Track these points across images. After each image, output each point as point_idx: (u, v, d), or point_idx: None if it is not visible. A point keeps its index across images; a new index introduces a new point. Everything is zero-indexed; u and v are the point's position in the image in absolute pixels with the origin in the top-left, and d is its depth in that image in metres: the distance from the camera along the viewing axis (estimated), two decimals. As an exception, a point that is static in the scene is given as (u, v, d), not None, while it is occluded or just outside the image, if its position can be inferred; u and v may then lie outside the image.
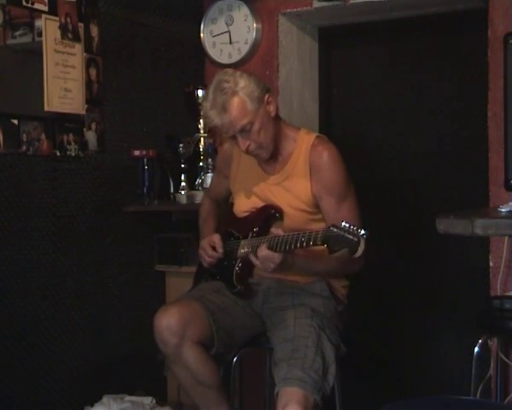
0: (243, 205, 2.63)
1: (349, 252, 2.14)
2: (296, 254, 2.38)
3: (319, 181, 2.47)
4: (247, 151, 2.49)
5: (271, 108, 2.48)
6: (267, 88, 2.51)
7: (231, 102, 2.39)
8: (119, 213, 3.33)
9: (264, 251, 2.35)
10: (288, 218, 2.51)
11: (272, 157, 2.55)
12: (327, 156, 2.48)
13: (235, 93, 2.40)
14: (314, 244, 2.23)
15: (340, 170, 2.48)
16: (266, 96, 2.47)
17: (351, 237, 2.12)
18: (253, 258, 2.42)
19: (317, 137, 2.55)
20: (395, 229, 3.55)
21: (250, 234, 2.55)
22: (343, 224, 2.14)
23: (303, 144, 2.53)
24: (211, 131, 3.54)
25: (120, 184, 3.34)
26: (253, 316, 2.62)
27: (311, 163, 2.49)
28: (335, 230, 2.15)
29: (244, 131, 2.43)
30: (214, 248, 2.66)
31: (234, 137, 2.48)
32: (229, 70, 2.50)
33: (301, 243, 2.26)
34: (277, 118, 2.54)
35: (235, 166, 2.68)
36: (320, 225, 2.49)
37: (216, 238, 2.66)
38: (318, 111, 3.76)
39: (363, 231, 2.11)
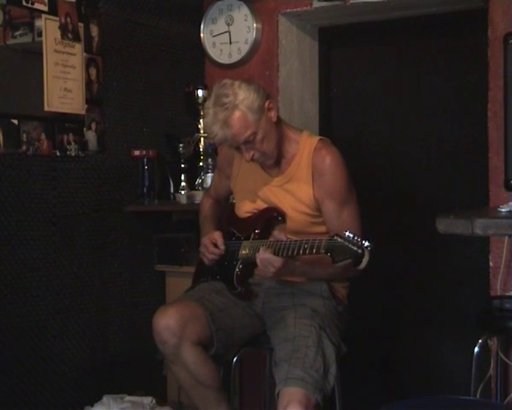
0: (245, 206, 2.63)
1: (353, 264, 2.13)
2: (298, 260, 2.37)
3: (321, 185, 2.47)
4: (252, 160, 2.49)
5: (272, 115, 2.47)
6: (267, 94, 2.48)
7: (233, 117, 2.38)
8: (119, 213, 3.33)
9: (265, 253, 2.34)
10: (290, 220, 2.51)
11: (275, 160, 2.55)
12: (330, 160, 2.47)
13: (235, 107, 2.38)
14: (317, 253, 2.21)
15: (343, 174, 2.48)
16: (267, 103, 2.45)
17: (355, 248, 2.10)
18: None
19: (320, 140, 2.55)
20: (395, 229, 3.55)
21: (252, 235, 2.55)
22: (347, 234, 2.13)
23: (306, 147, 2.52)
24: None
25: (120, 184, 3.34)
26: (253, 316, 2.62)
27: (314, 167, 2.48)
28: (339, 239, 2.14)
29: (248, 142, 2.42)
30: (216, 246, 2.65)
31: (238, 149, 2.47)
32: (228, 81, 2.45)
33: (304, 250, 2.25)
34: (278, 121, 2.53)
35: (236, 166, 2.68)
36: (322, 229, 2.50)
37: (217, 235, 2.65)
38: (318, 111, 3.76)
39: (367, 243, 2.10)
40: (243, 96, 2.39)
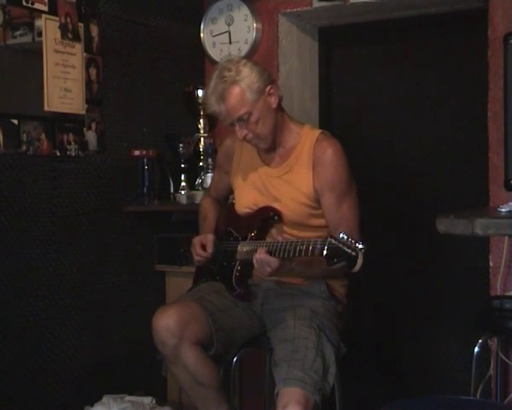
0: (244, 199, 2.63)
1: (347, 266, 2.13)
2: (293, 260, 2.36)
3: (322, 176, 2.47)
4: (245, 140, 2.50)
5: (273, 100, 2.48)
6: (271, 79, 2.50)
7: (230, 92, 2.40)
8: (119, 213, 3.33)
9: (261, 254, 2.34)
10: (290, 211, 2.51)
11: (274, 150, 2.56)
12: (331, 152, 2.48)
13: (234, 82, 2.40)
14: (312, 255, 2.21)
15: (343, 167, 2.48)
16: (268, 87, 2.46)
17: (349, 251, 2.10)
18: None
19: (322, 132, 2.56)
20: (395, 229, 3.55)
21: (249, 236, 2.55)
22: (341, 235, 2.12)
23: (307, 139, 2.53)
24: (211, 130, 3.55)
25: (120, 184, 3.34)
26: (253, 317, 2.62)
27: (315, 158, 2.48)
28: (334, 241, 2.14)
29: (242, 120, 2.44)
30: (204, 248, 2.65)
31: (232, 125, 2.49)
32: (235, 57, 2.52)
33: (299, 251, 2.25)
34: (281, 110, 2.54)
35: (236, 160, 2.68)
36: (322, 221, 2.50)
37: (209, 238, 2.66)
38: (318, 111, 3.76)
39: (361, 245, 2.10)
40: (245, 74, 2.42)
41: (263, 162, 2.60)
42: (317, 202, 2.50)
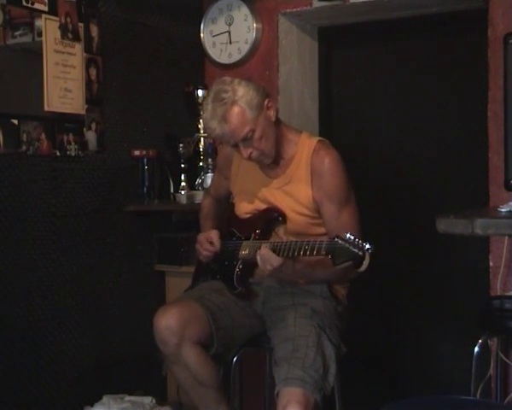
0: (245, 207, 2.63)
1: (353, 266, 2.13)
2: (297, 261, 2.36)
3: (320, 186, 2.46)
4: (250, 158, 2.48)
5: (271, 113, 2.47)
6: (266, 93, 2.49)
7: (231, 112, 2.38)
8: (119, 213, 3.33)
9: (264, 250, 2.33)
10: (290, 222, 2.50)
11: (274, 161, 2.55)
12: (328, 162, 2.46)
13: (234, 102, 2.38)
14: (318, 254, 2.21)
15: (342, 176, 2.47)
16: (266, 101, 2.45)
17: (356, 250, 2.10)
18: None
19: (319, 141, 2.54)
20: (395, 229, 3.55)
21: (252, 235, 2.55)
22: (348, 236, 2.12)
23: (304, 149, 2.51)
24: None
25: (120, 184, 3.35)
26: (253, 316, 2.62)
27: (313, 168, 2.48)
28: (340, 241, 2.13)
29: (246, 139, 2.42)
30: (211, 243, 2.65)
31: (236, 146, 2.47)
32: (227, 78, 2.47)
33: (305, 251, 2.24)
34: (278, 121, 2.53)
35: (235, 167, 2.67)
36: (322, 230, 2.49)
37: (213, 233, 2.66)
38: (318, 111, 3.76)
39: (368, 245, 2.09)
40: (242, 93, 2.40)
41: (262, 172, 2.59)
42: (317, 211, 2.49)
